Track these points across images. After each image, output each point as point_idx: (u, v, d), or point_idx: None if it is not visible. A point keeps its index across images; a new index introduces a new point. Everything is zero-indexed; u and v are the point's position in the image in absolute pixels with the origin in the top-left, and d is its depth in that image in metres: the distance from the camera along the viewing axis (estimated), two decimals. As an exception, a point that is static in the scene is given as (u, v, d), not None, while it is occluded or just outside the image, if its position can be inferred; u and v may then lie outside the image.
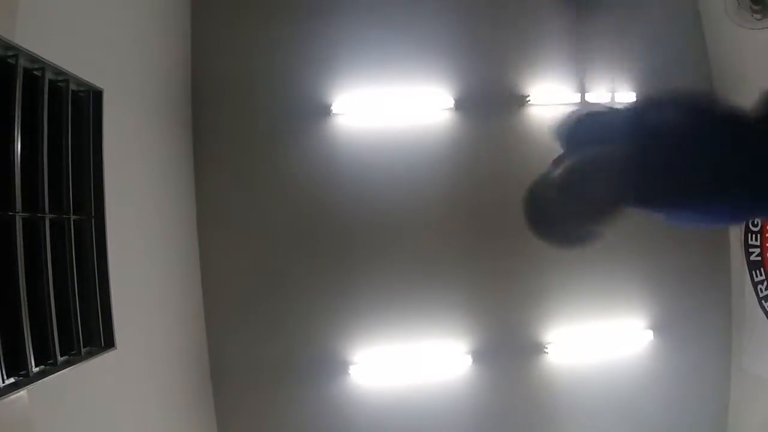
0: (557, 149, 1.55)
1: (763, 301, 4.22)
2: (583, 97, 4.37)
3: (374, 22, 4.25)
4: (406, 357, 4.20)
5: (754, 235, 4.28)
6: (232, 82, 4.17)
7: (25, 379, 2.06)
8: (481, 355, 4.28)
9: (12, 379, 2.00)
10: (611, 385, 4.41)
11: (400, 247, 4.24)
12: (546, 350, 4.33)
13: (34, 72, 2.25)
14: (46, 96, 2.27)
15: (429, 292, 4.23)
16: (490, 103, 4.35)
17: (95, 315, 2.63)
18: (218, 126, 4.15)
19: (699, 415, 4.53)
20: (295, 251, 4.18)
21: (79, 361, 2.41)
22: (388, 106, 4.25)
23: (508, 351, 4.32)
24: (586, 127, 1.55)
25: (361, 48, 4.23)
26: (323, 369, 4.17)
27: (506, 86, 4.39)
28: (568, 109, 1.64)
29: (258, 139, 4.18)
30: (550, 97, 4.35)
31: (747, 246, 4.33)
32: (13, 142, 2.09)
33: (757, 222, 4.18)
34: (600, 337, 4.39)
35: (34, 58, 2.17)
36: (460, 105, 4.31)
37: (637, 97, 4.42)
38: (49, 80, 2.32)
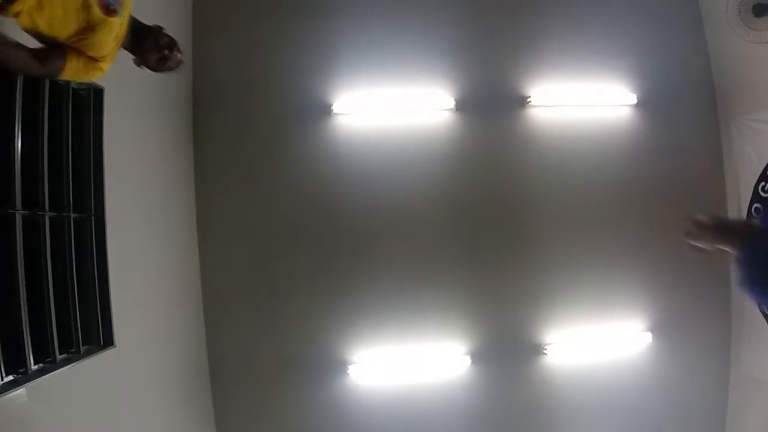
0: None
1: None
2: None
3: (375, 23, 4.26)
4: (405, 357, 4.20)
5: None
6: (233, 82, 4.17)
7: (24, 377, 2.06)
8: (480, 356, 4.28)
9: (11, 377, 2.00)
10: (610, 387, 4.41)
11: (400, 247, 4.24)
12: (545, 351, 4.33)
13: (35, 70, 2.24)
14: (46, 94, 2.27)
15: (429, 292, 4.23)
16: (491, 104, 4.35)
17: (95, 313, 2.62)
18: (218, 126, 4.15)
19: (698, 418, 4.52)
20: (295, 251, 4.18)
21: (78, 359, 2.40)
22: (389, 107, 4.25)
23: (507, 352, 4.32)
24: None
25: (362, 48, 4.23)
26: (322, 369, 4.17)
27: (507, 87, 4.38)
28: None
29: (258, 139, 4.18)
30: (551, 98, 4.36)
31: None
32: (13, 140, 2.09)
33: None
34: (599, 339, 4.38)
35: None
36: (461, 106, 4.31)
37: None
38: (50, 78, 2.31)
